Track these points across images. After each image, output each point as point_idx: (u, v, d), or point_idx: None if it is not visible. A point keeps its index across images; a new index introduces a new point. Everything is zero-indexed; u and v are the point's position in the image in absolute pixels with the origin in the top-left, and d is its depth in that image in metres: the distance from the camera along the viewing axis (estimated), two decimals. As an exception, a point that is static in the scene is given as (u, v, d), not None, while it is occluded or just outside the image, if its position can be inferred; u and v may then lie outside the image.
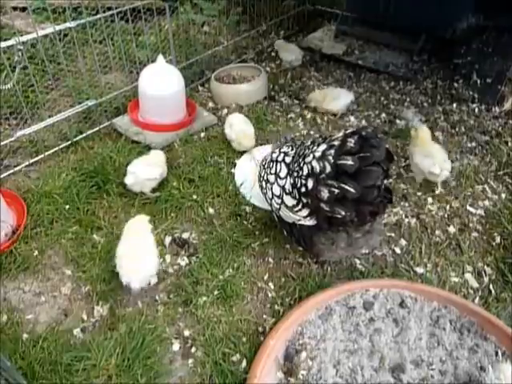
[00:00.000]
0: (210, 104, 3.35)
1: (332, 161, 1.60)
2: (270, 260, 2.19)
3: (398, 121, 3.18)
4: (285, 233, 2.00)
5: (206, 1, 3.66)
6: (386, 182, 1.66)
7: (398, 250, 2.23)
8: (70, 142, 2.83)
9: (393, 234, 2.31)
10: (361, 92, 3.54)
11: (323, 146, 1.66)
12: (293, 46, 3.89)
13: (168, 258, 2.19)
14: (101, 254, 2.14)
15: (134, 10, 2.96)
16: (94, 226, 2.30)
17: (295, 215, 1.81)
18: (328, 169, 1.62)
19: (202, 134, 3.00)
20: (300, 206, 1.78)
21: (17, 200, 2.36)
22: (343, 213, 1.63)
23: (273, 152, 1.97)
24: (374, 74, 3.77)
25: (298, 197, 1.77)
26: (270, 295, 2.04)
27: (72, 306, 1.98)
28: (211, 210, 2.43)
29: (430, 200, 2.51)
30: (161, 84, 2.86)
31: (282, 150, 1.92)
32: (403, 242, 2.27)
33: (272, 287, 2.07)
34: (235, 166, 2.69)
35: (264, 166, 2.00)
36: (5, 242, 2.15)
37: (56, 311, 1.96)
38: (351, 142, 1.57)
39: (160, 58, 2.87)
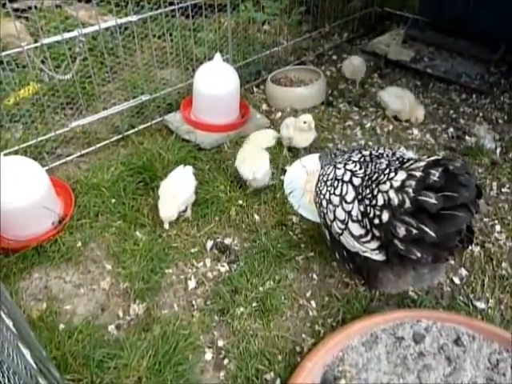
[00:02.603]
0: (264, 106, 3.38)
1: (412, 195, 1.49)
2: (315, 276, 2.16)
3: (467, 137, 3.04)
4: (337, 256, 1.93)
5: (268, -1, 3.70)
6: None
7: (456, 280, 2.13)
8: (121, 136, 2.95)
9: (452, 262, 2.20)
10: (427, 103, 3.42)
11: (402, 175, 1.55)
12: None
13: (208, 262, 2.22)
14: (142, 252, 2.21)
15: (195, 6, 3.05)
16: (137, 223, 2.37)
17: (362, 246, 1.72)
18: (407, 203, 1.51)
19: (253, 137, 3.03)
20: (369, 238, 1.68)
21: (66, 190, 2.49)
22: (419, 255, 1.53)
23: (337, 168, 1.88)
24: (444, 84, 3.64)
25: (368, 227, 1.68)
26: (311, 314, 2.01)
27: (109, 302, 2.05)
28: (256, 217, 2.44)
29: (497, 228, 2.37)
30: (216, 83, 2.92)
31: (348, 168, 1.83)
32: (464, 271, 2.17)
33: (314, 305, 2.04)
34: (285, 172, 2.69)
35: (325, 181, 1.90)
36: (51, 231, 2.28)
37: (93, 305, 2.05)
38: (435, 176, 1.45)
39: (217, 56, 2.93)
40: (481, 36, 3.64)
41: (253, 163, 2.48)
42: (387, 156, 1.83)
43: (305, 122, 2.73)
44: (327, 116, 3.25)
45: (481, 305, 2.02)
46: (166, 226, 2.34)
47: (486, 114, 3.27)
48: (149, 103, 3.05)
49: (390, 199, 1.57)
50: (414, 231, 1.51)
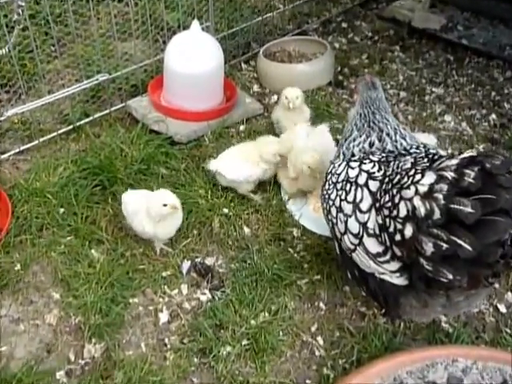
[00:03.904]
0: (255, 87, 3.40)
1: (443, 203, 1.51)
2: (321, 305, 2.16)
3: (513, 126, 3.09)
4: (348, 275, 1.96)
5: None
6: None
7: (502, 308, 2.14)
8: (71, 127, 2.94)
9: (496, 285, 2.21)
10: (463, 83, 3.46)
11: (430, 177, 1.56)
12: None
13: (184, 289, 2.21)
14: (99, 276, 2.19)
15: (166, -40, 3.06)
16: (93, 239, 2.36)
17: (379, 266, 1.75)
18: (436, 214, 1.52)
19: (242, 127, 3.04)
20: (388, 257, 1.70)
21: (0, 197, 2.47)
22: (451, 276, 1.54)
23: (350, 167, 1.89)
24: (484, 59, 3.68)
25: (387, 244, 1.70)
26: (317, 353, 2.01)
27: (57, 341, 2.03)
28: (246, 230, 2.44)
29: (553, 240, 2.40)
30: (193, 58, 2.91)
31: (364, 168, 1.85)
32: (511, 297, 2.19)
33: (321, 343, 2.04)
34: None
35: (335, 183, 1.92)
36: (-19, 250, 2.26)
37: (37, 345, 2.02)
38: (470, 176, 1.48)
39: (195, 24, 2.93)
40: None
41: (236, 161, 2.53)
42: (415, 152, 1.86)
43: (286, 98, 2.75)
44: (336, 99, 3.27)
45: (533, 339, 2.04)
46: (169, 248, 2.36)
47: (537, 96, 3.33)
48: (107, 85, 3.05)
49: (414, 208, 1.58)
50: (445, 246, 1.52)
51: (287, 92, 2.79)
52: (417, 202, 1.58)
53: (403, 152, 1.89)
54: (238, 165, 2.53)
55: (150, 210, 2.20)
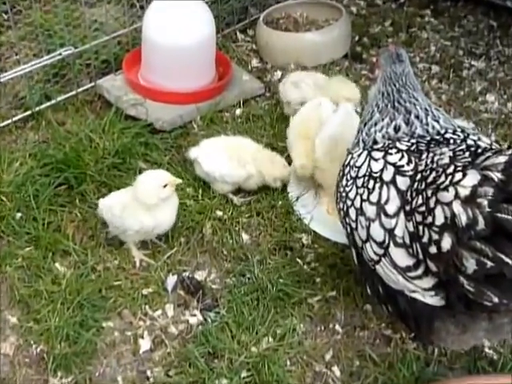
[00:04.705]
0: (254, 62, 3.42)
1: (488, 210, 1.51)
2: (337, 328, 2.17)
3: None
4: (368, 291, 1.96)
5: None
6: None
7: (558, 330, 2.16)
8: (29, 113, 2.95)
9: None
10: (508, 55, 3.47)
11: (474, 177, 1.56)
12: None
13: (170, 309, 2.22)
14: (65, 296, 2.20)
15: None
16: (57, 250, 2.37)
17: (409, 283, 1.76)
18: (481, 224, 1.53)
19: (238, 111, 3.05)
20: (420, 272, 1.72)
21: None
22: (496, 300, 1.56)
23: (373, 158, 1.88)
24: (535, 26, 3.69)
25: (420, 256, 1.71)
26: (333, 387, 2.03)
27: (15, 375, 2.04)
28: (245, 237, 2.45)
29: None
30: (178, 27, 2.93)
31: (389, 160, 1.84)
32: None
33: (337, 374, 2.04)
34: (290, 165, 2.70)
35: (354, 178, 1.92)
36: None
37: (-10, 380, 2.04)
38: None
39: (179, -16, 2.95)
40: None
41: (219, 153, 2.57)
42: (451, 137, 1.87)
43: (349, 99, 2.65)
44: (353, 76, 3.28)
45: None
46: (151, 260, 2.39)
47: None
48: (72, 60, 3.05)
49: (454, 216, 1.59)
50: (489, 263, 1.53)
51: (345, 90, 2.67)
52: (457, 207, 1.58)
53: (436, 137, 1.90)
54: (219, 158, 2.55)
55: (143, 197, 2.26)
